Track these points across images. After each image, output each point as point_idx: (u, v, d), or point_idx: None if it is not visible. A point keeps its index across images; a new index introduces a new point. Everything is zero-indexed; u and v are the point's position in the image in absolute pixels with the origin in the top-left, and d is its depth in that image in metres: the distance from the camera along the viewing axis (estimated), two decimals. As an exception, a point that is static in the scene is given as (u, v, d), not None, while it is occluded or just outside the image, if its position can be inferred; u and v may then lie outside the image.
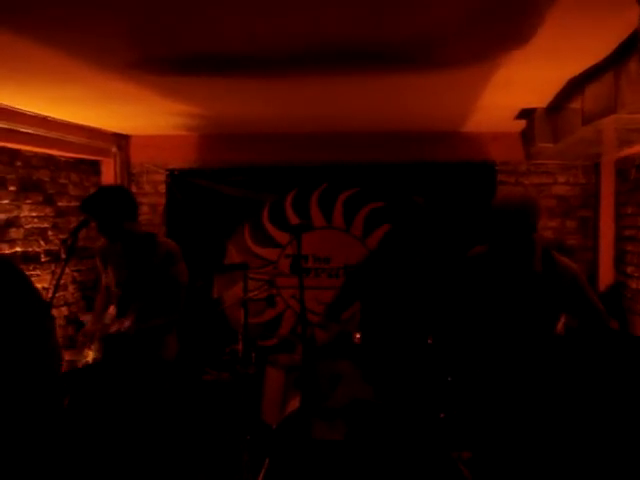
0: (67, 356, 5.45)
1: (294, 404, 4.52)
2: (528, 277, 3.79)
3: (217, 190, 6.86)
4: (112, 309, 4.32)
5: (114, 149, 6.85)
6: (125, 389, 4.03)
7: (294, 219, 6.71)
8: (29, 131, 5.29)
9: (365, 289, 4.55)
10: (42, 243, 5.92)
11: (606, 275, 6.49)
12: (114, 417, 3.95)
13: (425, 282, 4.47)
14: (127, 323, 4.07)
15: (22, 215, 5.65)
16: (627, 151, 5.70)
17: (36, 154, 5.84)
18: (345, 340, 4.53)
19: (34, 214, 5.82)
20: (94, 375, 4.05)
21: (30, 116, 5.24)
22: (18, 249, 5.58)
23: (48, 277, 5.83)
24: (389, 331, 4.40)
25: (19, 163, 5.62)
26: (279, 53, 3.53)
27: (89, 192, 6.57)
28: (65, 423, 3.66)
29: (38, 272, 5.81)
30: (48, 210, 6.05)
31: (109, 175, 6.92)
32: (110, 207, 4.17)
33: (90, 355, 4.13)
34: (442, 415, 5.00)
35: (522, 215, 3.68)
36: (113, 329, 4.13)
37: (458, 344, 4.20)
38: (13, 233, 5.53)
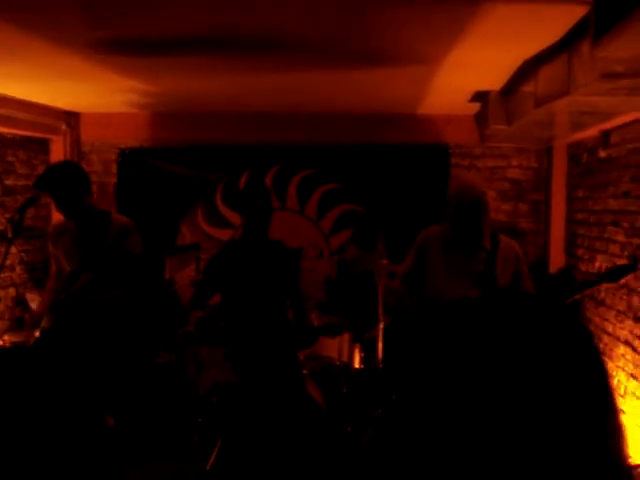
0: (15, 337, 5.36)
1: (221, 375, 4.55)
2: (479, 253, 4.13)
3: (169, 170, 6.78)
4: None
5: (64, 127, 6.70)
6: (77, 359, 3.97)
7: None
8: (-25, 107, 5.15)
9: (223, 277, 4.54)
10: (-12, 222, 5.78)
11: (557, 258, 6.56)
12: (59, 391, 3.88)
13: (276, 266, 4.49)
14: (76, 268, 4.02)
15: (-33, 193, 5.51)
16: (579, 135, 5.75)
17: (-18, 131, 5.69)
18: (208, 326, 4.58)
19: (-20, 192, 5.68)
20: (45, 344, 3.97)
21: (-24, 92, 5.10)
22: (-37, 228, 5.44)
23: (-5, 257, 5.69)
24: (247, 316, 4.46)
25: (-36, 140, 5.48)
26: (228, 35, 3.49)
27: (37, 171, 6.43)
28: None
29: (-16, 252, 5.67)
30: (-5, 188, 5.91)
31: (58, 153, 6.77)
32: (67, 182, 4.13)
33: (37, 332, 4.06)
34: (393, 397, 5.06)
35: (481, 206, 4.04)
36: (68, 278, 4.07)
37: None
38: (-42, 211, 5.39)
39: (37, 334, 4.07)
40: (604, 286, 5.44)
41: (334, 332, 5.01)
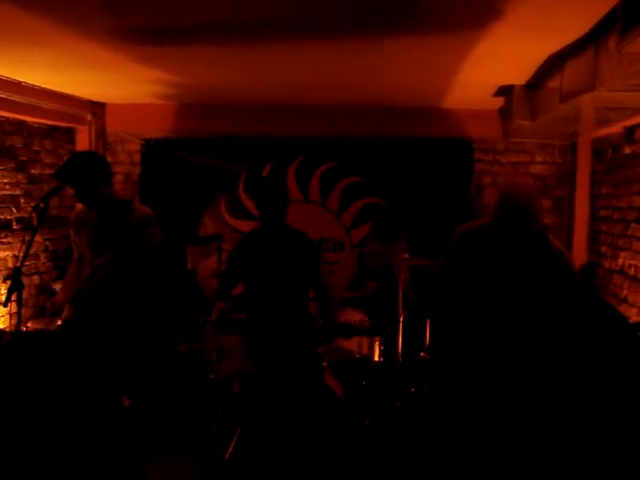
0: (38, 324, 5.42)
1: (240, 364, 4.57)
2: (524, 258, 3.73)
3: (193, 161, 6.81)
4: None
5: (89, 117, 6.75)
6: (95, 348, 4.02)
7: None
8: (2, 96, 5.20)
9: (245, 268, 4.56)
10: (14, 210, 5.83)
11: (580, 255, 6.52)
12: (81, 380, 3.93)
13: (297, 256, 4.50)
14: (98, 261, 4.03)
15: (-6, 181, 5.57)
16: (604, 131, 5.71)
17: (9, 120, 5.73)
18: (231, 316, 4.63)
19: (6, 180, 5.73)
20: (64, 335, 4.03)
21: (3, 80, 5.13)
22: (-11, 216, 5.51)
23: (19, 245, 5.75)
24: (269, 307, 4.49)
25: (-9, 128, 5.53)
26: (257, 20, 3.48)
27: (63, 160, 6.49)
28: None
29: (9, 239, 5.73)
30: (20, 177, 5.96)
31: (84, 143, 6.82)
32: (86, 172, 4.16)
33: (59, 320, 4.11)
34: (412, 390, 5.06)
35: (532, 214, 3.60)
36: (91, 270, 4.09)
37: (445, 323, 4.23)
38: (-16, 199, 5.45)
39: (59, 322, 4.12)
40: (627, 284, 5.43)
41: (348, 334, 5.03)
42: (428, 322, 5.09)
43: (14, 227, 5.82)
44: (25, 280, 5.60)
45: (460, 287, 3.91)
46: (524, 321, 3.72)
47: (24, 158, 6.02)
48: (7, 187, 5.74)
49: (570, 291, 3.78)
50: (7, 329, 5.35)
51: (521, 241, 3.63)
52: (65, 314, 4.13)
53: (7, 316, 5.19)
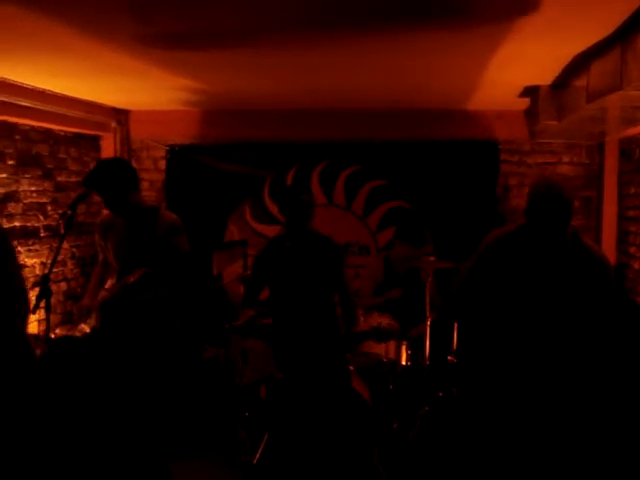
0: (64, 330, 5.46)
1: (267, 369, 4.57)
2: (559, 261, 3.66)
3: (218, 167, 6.83)
4: (109, 284, 4.31)
5: (114, 124, 6.80)
6: (123, 358, 4.04)
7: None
8: (28, 105, 5.24)
9: (270, 273, 4.54)
10: (41, 218, 5.88)
11: (608, 256, 6.39)
12: (111, 389, 3.95)
13: (322, 261, 4.48)
14: (132, 278, 4.02)
15: (21, 189, 5.60)
16: (631, 130, 5.64)
17: (35, 128, 5.78)
18: (257, 322, 4.61)
19: (33, 188, 5.78)
20: (92, 344, 4.05)
21: (29, 89, 5.18)
22: (17, 224, 5.54)
23: (47, 252, 5.80)
24: (295, 311, 4.47)
25: (18, 137, 5.57)
26: (284, 24, 3.47)
27: (89, 167, 6.54)
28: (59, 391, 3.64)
29: (37, 247, 5.78)
30: (47, 185, 6.01)
31: (109, 150, 6.87)
32: (113, 179, 4.17)
33: (84, 328, 4.12)
34: (440, 394, 5.04)
35: (567, 202, 3.55)
36: (121, 283, 4.08)
37: (476, 325, 4.20)
38: (11, 208, 5.48)
39: (86, 329, 4.13)
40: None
41: (380, 338, 5.00)
42: (455, 325, 5.07)
43: (41, 235, 5.86)
44: (53, 287, 5.65)
45: (492, 291, 3.85)
46: (560, 323, 3.68)
47: (50, 166, 6.07)
48: (34, 195, 5.79)
49: (607, 293, 3.70)
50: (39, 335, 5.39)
51: (557, 230, 3.55)
52: (93, 322, 4.15)
53: (36, 323, 5.22)
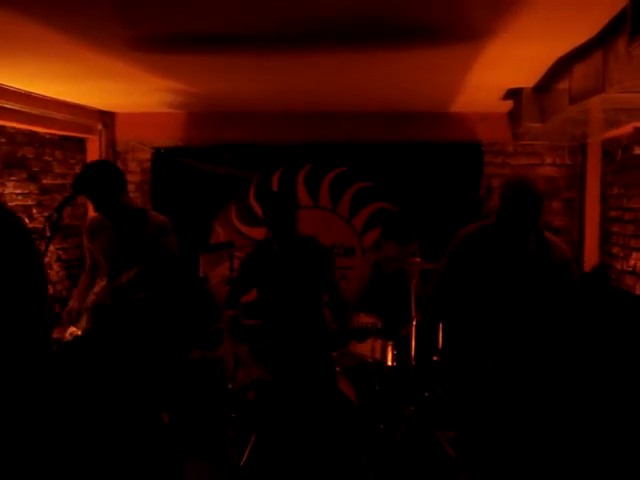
0: (53, 334, 5.44)
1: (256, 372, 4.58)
2: (523, 257, 3.83)
3: (203, 169, 6.84)
4: (98, 287, 4.31)
5: (99, 126, 6.79)
6: (115, 359, 4.05)
7: (281, 198, 6.69)
8: (13, 107, 5.22)
9: (258, 275, 4.56)
10: (26, 221, 5.86)
11: (591, 256, 6.51)
12: (102, 388, 3.96)
13: (310, 262, 4.50)
14: (124, 279, 4.02)
15: (6, 192, 5.59)
16: (614, 132, 5.70)
17: (20, 131, 5.77)
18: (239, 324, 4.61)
19: (18, 191, 5.77)
20: (84, 346, 4.05)
21: (14, 92, 5.17)
22: (2, 226, 5.52)
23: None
24: (283, 313, 4.48)
25: (3, 139, 5.56)
26: (266, 31, 3.50)
27: (74, 170, 6.53)
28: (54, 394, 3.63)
29: (22, 250, 5.75)
30: (32, 187, 6.00)
31: (94, 153, 6.86)
32: (102, 182, 4.16)
33: (75, 331, 4.12)
34: (426, 394, 5.07)
35: (537, 201, 3.70)
36: (113, 285, 4.08)
37: (453, 325, 4.28)
38: (-3, 210, 5.47)
39: (77, 332, 4.12)
40: (639, 284, 5.41)
41: (361, 337, 5.02)
42: (440, 325, 5.10)
43: (27, 237, 5.84)
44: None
45: (465, 286, 4.03)
46: (526, 316, 3.84)
47: (36, 169, 6.06)
48: (19, 197, 5.78)
49: (566, 286, 3.87)
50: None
51: (525, 230, 3.73)
52: (83, 324, 4.15)
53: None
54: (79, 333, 4.12)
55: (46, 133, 6.17)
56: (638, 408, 3.98)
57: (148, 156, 6.92)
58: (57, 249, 6.38)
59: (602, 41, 3.47)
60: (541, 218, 3.75)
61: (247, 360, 4.52)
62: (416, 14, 3.20)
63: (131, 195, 6.74)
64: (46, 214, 6.05)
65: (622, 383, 4.14)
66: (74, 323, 4.18)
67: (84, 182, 4.17)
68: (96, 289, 4.31)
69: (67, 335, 4.12)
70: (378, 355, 4.99)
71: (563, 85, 4.35)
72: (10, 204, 5.63)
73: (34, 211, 5.99)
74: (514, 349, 3.84)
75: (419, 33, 3.55)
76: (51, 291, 6.29)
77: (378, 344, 5.01)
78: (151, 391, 4.27)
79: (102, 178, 4.17)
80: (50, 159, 6.33)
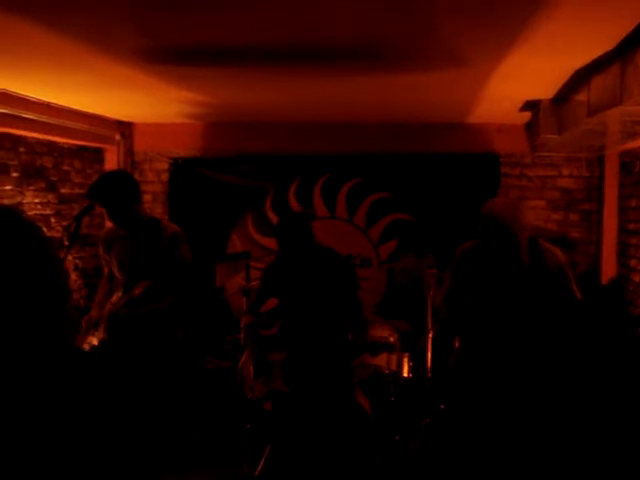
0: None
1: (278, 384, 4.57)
2: (516, 270, 3.98)
3: (221, 179, 6.86)
4: (115, 297, 4.33)
5: (118, 137, 6.83)
6: (131, 369, 4.06)
7: (297, 208, 6.71)
8: (32, 117, 5.27)
9: (279, 286, 4.56)
10: (45, 230, 5.90)
11: (609, 268, 6.48)
12: (118, 398, 3.97)
13: (329, 273, 4.50)
14: (137, 291, 4.03)
15: (25, 201, 5.63)
16: (632, 144, 5.67)
17: (39, 140, 5.81)
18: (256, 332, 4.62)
19: (37, 201, 5.81)
20: (101, 356, 4.06)
21: (34, 102, 5.22)
22: (21, 235, 5.56)
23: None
24: (304, 324, 4.48)
25: (22, 149, 5.61)
26: (284, 46, 3.52)
27: (92, 180, 6.56)
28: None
29: (41, 259, 5.79)
30: (51, 197, 6.04)
31: (112, 163, 6.90)
32: (116, 192, 4.20)
33: (92, 341, 4.14)
34: (442, 407, 5.05)
35: (508, 230, 3.91)
36: (127, 296, 4.10)
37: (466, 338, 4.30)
38: (16, 219, 5.50)
39: (94, 341, 4.15)
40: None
41: (374, 352, 5.02)
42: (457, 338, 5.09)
43: (45, 246, 5.88)
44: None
45: (466, 299, 4.18)
46: (523, 327, 3.96)
47: (54, 178, 6.10)
48: (38, 207, 5.82)
49: (560, 293, 4.01)
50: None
51: (507, 254, 3.97)
52: (100, 335, 4.17)
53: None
54: (95, 343, 4.14)
55: (65, 143, 6.22)
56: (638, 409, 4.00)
57: (166, 166, 6.95)
58: (75, 258, 6.42)
59: (620, 53, 3.47)
60: (524, 236, 3.94)
61: (274, 369, 4.51)
62: (435, 35, 3.22)
63: (148, 205, 6.80)
64: (64, 223, 6.09)
65: (625, 390, 4.17)
66: (93, 331, 4.20)
67: (98, 190, 4.20)
68: (113, 298, 4.34)
69: (85, 345, 4.14)
70: (394, 366, 4.99)
71: (581, 97, 4.34)
72: (29, 213, 5.67)
73: (52, 220, 6.03)
74: (515, 362, 3.93)
75: (436, 51, 3.56)
76: (69, 300, 6.31)
77: (394, 355, 5.01)
78: (160, 400, 4.27)
79: (116, 187, 4.21)
80: (69, 169, 6.37)
